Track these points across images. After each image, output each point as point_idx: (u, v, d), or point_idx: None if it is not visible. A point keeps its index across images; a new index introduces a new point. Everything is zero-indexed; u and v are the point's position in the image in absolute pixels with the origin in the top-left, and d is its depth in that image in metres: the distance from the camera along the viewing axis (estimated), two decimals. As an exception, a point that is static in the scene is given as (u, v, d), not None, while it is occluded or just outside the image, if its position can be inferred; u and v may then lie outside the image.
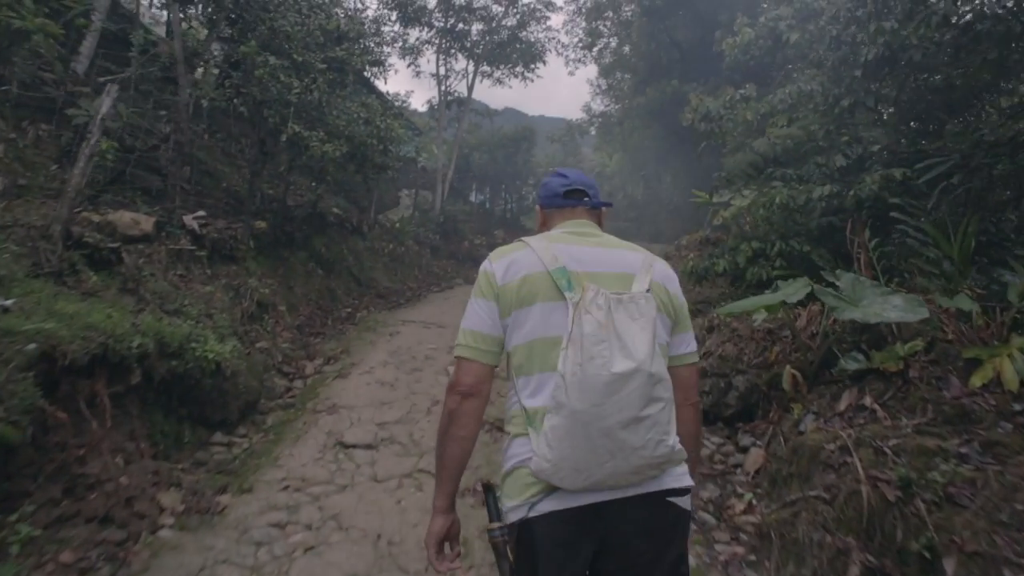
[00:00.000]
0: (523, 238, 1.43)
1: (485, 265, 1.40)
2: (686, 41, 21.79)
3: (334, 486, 3.47)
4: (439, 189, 18.35)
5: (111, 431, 3.08)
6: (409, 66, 20.98)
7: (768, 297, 3.95)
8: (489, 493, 1.36)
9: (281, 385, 5.20)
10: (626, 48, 26.23)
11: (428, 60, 42.82)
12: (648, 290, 1.32)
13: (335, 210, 11.54)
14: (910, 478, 2.44)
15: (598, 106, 32.80)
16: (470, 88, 20.13)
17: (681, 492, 1.30)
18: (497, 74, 21.71)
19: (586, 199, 1.54)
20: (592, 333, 1.19)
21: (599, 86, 32.05)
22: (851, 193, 5.94)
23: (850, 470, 2.74)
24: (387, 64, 12.91)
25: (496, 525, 1.28)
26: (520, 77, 22.26)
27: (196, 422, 3.98)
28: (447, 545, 1.40)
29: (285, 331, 6.44)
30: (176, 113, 5.61)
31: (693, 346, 1.45)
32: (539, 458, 1.20)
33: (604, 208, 1.60)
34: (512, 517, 1.26)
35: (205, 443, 3.96)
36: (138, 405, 3.49)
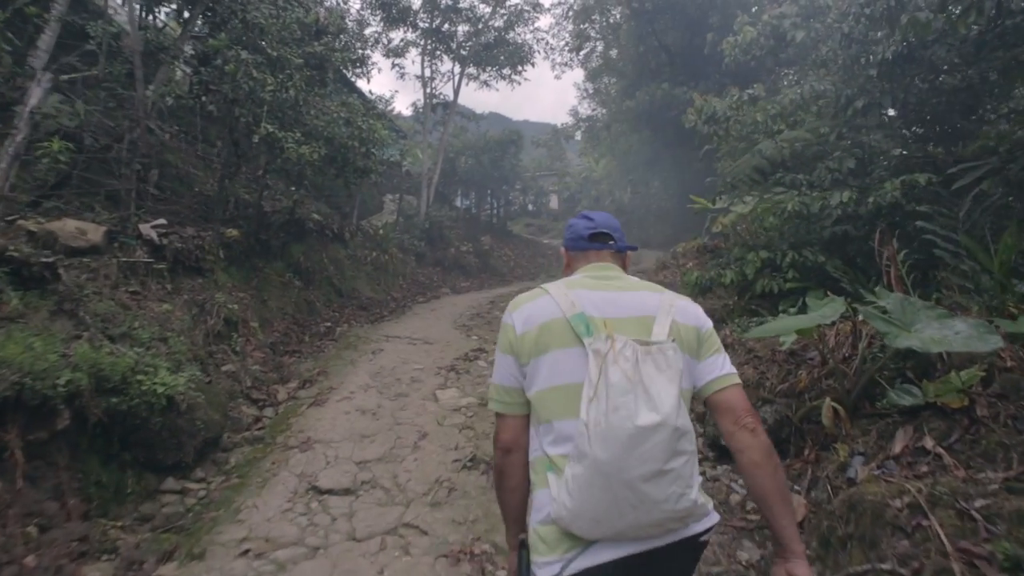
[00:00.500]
0: (543, 285, 1.43)
1: (505, 317, 1.41)
2: (675, 44, 21.51)
3: (304, 548, 2.91)
4: (424, 194, 17.80)
5: (24, 492, 2.51)
6: (393, 67, 20.50)
7: (802, 319, 3.48)
8: (523, 550, 1.32)
9: (249, 415, 4.63)
10: (614, 51, 25.98)
11: (413, 61, 42.23)
12: (670, 336, 1.30)
13: (315, 216, 10.95)
14: (1019, 557, 1.97)
15: (585, 110, 32.56)
16: (456, 90, 19.66)
17: (708, 532, 1.31)
18: (484, 76, 21.24)
19: (611, 242, 1.54)
20: (618, 384, 1.18)
21: (586, 90, 31.82)
22: (870, 200, 5.53)
23: (929, 537, 2.26)
24: (370, 63, 12.37)
25: None
26: (507, 80, 21.84)
27: (143, 467, 3.40)
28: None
29: (256, 350, 5.86)
30: (133, 110, 5.02)
31: (728, 366, 1.39)
32: (559, 505, 1.20)
33: (629, 252, 1.60)
34: (544, 574, 1.23)
35: (154, 492, 3.38)
36: (67, 453, 2.91)
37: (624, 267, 1.55)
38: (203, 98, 6.26)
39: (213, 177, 8.15)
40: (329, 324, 7.95)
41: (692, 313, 1.42)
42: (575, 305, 1.32)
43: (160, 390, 3.32)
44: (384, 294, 11.09)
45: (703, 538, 1.30)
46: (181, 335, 4.29)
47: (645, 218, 28.65)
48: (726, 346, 5.47)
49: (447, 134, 20.50)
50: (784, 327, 3.49)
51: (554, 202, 33.91)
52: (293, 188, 9.96)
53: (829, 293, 5.52)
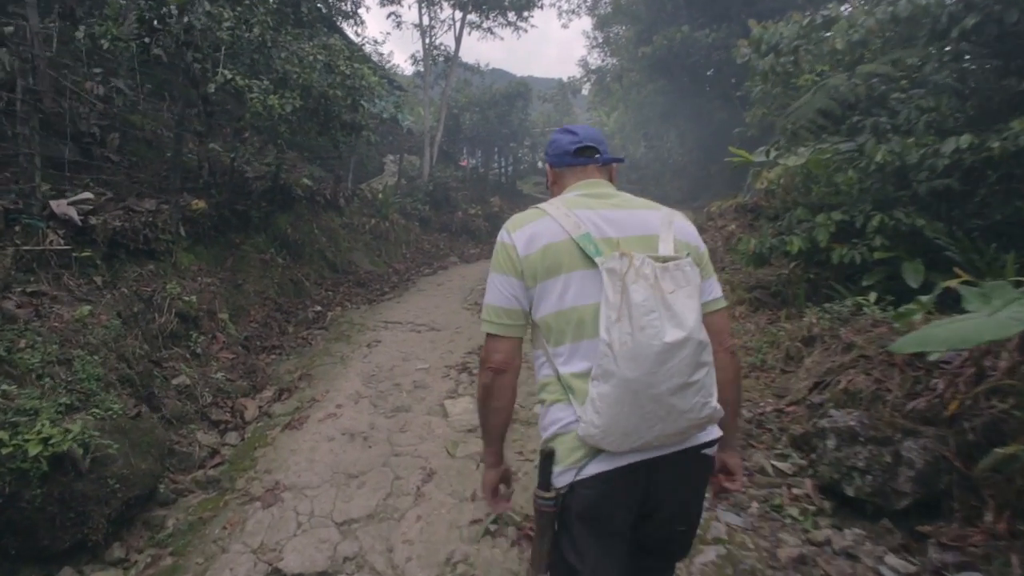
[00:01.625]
0: (539, 205, 1.40)
1: (503, 237, 1.37)
2: (696, -18, 19.61)
3: None
4: (427, 153, 16.47)
5: None
6: (389, 17, 18.85)
7: (986, 323, 2.31)
8: (546, 460, 1.30)
9: (205, 445, 3.58)
10: (626, -6, 23.95)
11: (409, 6, 39.99)
12: (678, 251, 1.32)
13: (306, 181, 9.76)
14: None
15: (595, 60, 30.66)
16: (458, 40, 18.03)
17: (712, 444, 1.34)
18: (487, 24, 19.57)
19: (597, 156, 1.49)
20: (642, 303, 1.18)
21: (595, 38, 29.84)
22: (994, 145, 4.29)
23: None
24: (362, 4, 10.92)
25: (550, 495, 1.28)
26: (512, 26, 20.15)
27: (22, 559, 2.36)
28: (502, 487, 1.51)
29: (225, 350, 4.79)
30: (25, 47, 3.77)
31: (718, 290, 1.44)
32: (587, 424, 1.22)
33: (615, 164, 1.55)
34: (559, 483, 1.28)
35: (41, 593, 2.35)
36: None
37: (612, 180, 1.52)
38: (146, 40, 5.03)
39: (186, 140, 6.96)
40: (319, 308, 6.87)
41: (690, 232, 1.42)
42: (580, 226, 1.31)
43: (34, 450, 2.25)
44: (385, 266, 9.97)
45: (706, 451, 1.33)
46: (100, 350, 3.20)
47: (661, 173, 27.08)
48: (812, 338, 4.17)
49: (449, 88, 18.99)
50: (962, 335, 2.32)
51: (564, 159, 32.24)
52: (275, 148, 8.76)
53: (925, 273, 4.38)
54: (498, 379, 1.35)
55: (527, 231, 1.33)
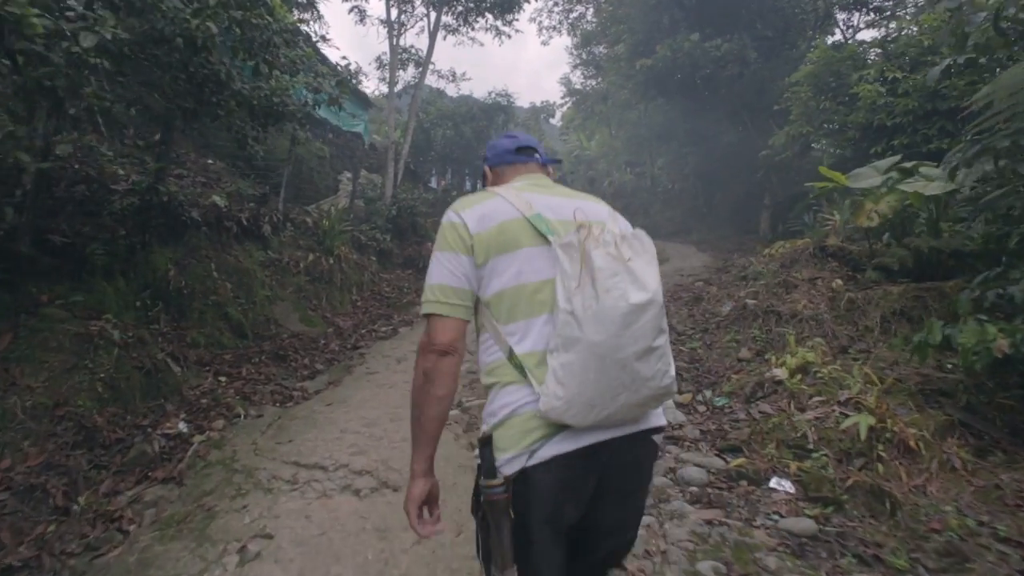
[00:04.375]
0: (490, 188, 1.42)
1: (451, 216, 1.33)
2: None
3: None
4: (391, 171, 13.60)
5: None
6: (352, 11, 16.09)
7: None
8: (485, 447, 1.25)
9: None
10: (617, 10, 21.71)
11: None
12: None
13: (216, 199, 6.79)
14: None
15: (577, 79, 28.44)
16: (431, 41, 15.31)
17: (660, 430, 1.35)
18: (464, 29, 17.01)
19: (537, 155, 1.55)
20: (605, 267, 1.19)
21: (579, 56, 27.64)
22: None
23: None
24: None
25: (497, 482, 1.19)
26: (494, 31, 17.66)
27: None
28: (426, 509, 1.33)
29: None
30: None
31: None
32: (549, 397, 1.18)
33: (552, 167, 1.60)
34: (508, 470, 1.21)
35: None
36: None
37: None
38: None
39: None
40: (184, 426, 3.83)
41: (627, 226, 1.44)
42: (531, 206, 1.32)
43: None
44: (323, 324, 6.97)
45: (655, 436, 1.33)
46: None
47: (649, 203, 24.72)
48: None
49: (419, 99, 16.27)
50: None
51: (542, 185, 29.67)
52: (154, 151, 5.77)
53: None
54: (442, 362, 1.25)
55: (478, 210, 1.31)
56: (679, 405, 4.50)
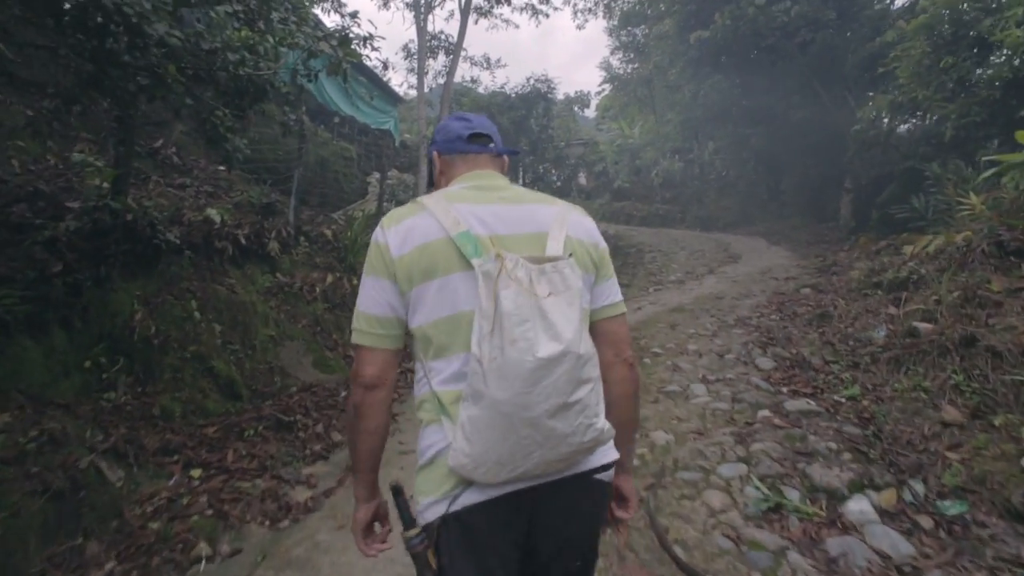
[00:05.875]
0: (419, 198, 1.21)
1: (377, 234, 1.18)
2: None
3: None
4: (423, 169, 12.12)
5: None
6: (374, -3, 14.71)
7: None
8: (398, 497, 1.19)
9: None
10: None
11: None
12: (566, 251, 1.15)
13: (211, 212, 5.45)
14: None
15: (618, 62, 26.49)
16: (463, 19, 13.77)
17: (608, 467, 1.19)
18: (498, 9, 15.44)
19: (491, 144, 1.35)
20: (513, 312, 1.01)
21: (619, 37, 25.68)
22: None
23: None
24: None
25: (414, 532, 1.11)
26: (530, 12, 16.05)
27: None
28: (376, 526, 1.28)
29: None
30: None
31: (618, 295, 1.28)
32: (457, 452, 1.04)
33: (507, 157, 1.41)
34: (429, 516, 1.09)
35: None
36: None
37: (503, 172, 1.36)
38: None
39: None
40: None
41: (586, 228, 1.26)
42: (459, 223, 1.13)
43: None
44: (343, 367, 5.50)
45: (599, 475, 1.17)
46: None
47: (703, 191, 22.59)
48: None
49: (451, 88, 14.77)
50: None
51: (583, 177, 27.81)
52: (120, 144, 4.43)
53: None
54: (369, 396, 1.15)
55: (402, 229, 1.15)
56: (884, 513, 2.82)
